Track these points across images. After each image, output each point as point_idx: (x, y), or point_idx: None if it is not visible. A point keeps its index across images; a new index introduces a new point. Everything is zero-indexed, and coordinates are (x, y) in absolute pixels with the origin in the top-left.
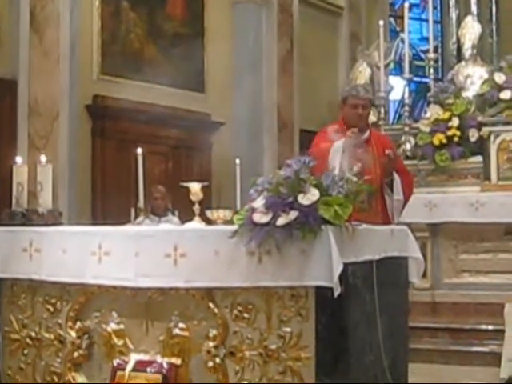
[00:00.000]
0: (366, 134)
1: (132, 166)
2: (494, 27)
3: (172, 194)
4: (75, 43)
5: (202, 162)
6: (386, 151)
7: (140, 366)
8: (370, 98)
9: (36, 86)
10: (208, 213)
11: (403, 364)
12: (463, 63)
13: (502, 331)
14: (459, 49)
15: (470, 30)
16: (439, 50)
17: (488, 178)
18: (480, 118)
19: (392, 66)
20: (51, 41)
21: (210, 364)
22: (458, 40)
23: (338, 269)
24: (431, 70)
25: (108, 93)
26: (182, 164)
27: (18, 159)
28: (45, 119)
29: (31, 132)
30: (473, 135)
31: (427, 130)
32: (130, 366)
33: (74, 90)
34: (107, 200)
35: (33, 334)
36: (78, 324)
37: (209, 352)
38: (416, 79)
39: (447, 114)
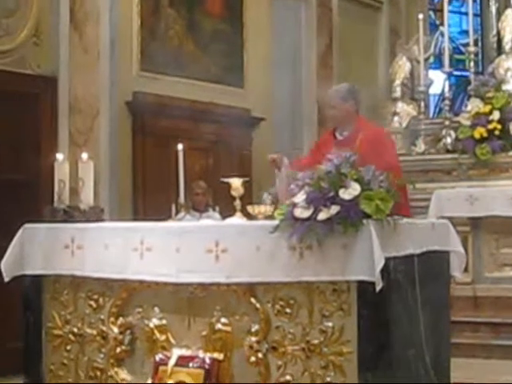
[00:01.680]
0: (345, 134)
1: (172, 162)
2: None
3: (212, 189)
4: (115, 40)
5: (242, 158)
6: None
7: (182, 361)
8: (335, 97)
9: (76, 83)
10: (249, 208)
11: (445, 358)
12: (503, 56)
13: None
14: (499, 42)
15: (510, 23)
16: (479, 44)
17: None
18: None
19: (432, 59)
20: (91, 38)
21: (252, 359)
22: (498, 33)
23: (379, 263)
24: (471, 64)
25: (148, 89)
26: (222, 160)
27: (59, 156)
28: (85, 116)
29: (72, 129)
30: None
31: (468, 123)
32: (172, 361)
33: (114, 87)
34: (148, 196)
35: (75, 330)
36: (121, 320)
37: (251, 347)
38: (456, 73)
39: (488, 108)
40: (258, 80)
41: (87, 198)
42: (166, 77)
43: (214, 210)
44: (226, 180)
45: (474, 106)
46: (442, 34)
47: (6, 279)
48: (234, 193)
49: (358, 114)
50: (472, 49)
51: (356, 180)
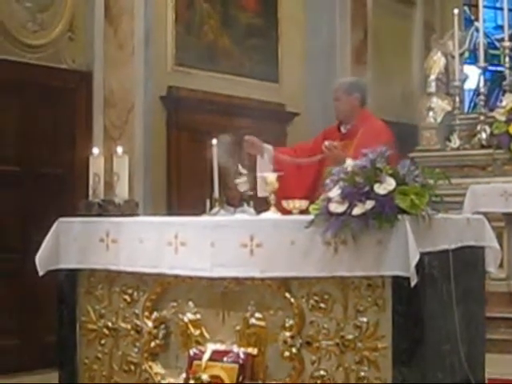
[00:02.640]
0: (348, 127)
1: (207, 156)
2: None
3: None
4: (149, 35)
5: None
6: (325, 143)
7: (216, 356)
8: (339, 90)
9: (111, 78)
10: (284, 203)
11: (480, 354)
12: None
13: None
14: None
15: None
16: None
17: None
18: None
19: (467, 54)
20: (126, 32)
21: (287, 354)
22: None
23: (414, 258)
24: (506, 59)
25: (182, 84)
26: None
27: (95, 150)
28: (120, 110)
29: (107, 123)
30: None
31: (503, 118)
32: (206, 356)
33: (148, 82)
34: (182, 191)
35: (110, 324)
36: (155, 314)
37: (285, 342)
38: (491, 68)
39: None
40: (293, 75)
41: (122, 192)
42: (200, 72)
43: (248, 204)
44: (260, 175)
45: (509, 101)
46: (477, 29)
47: (41, 273)
48: (268, 188)
49: (363, 108)
50: (507, 44)
51: (391, 175)
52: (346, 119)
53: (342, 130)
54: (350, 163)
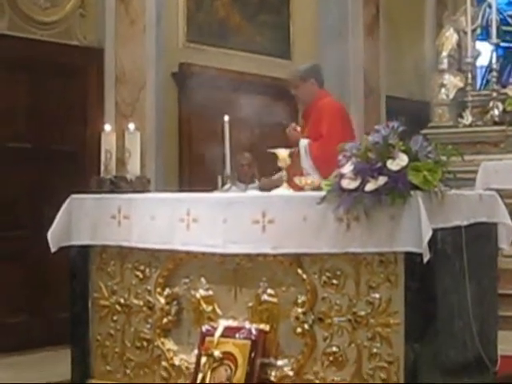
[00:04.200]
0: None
1: (218, 133)
2: None
3: (258, 161)
4: (161, 11)
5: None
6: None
7: (229, 332)
8: (296, 78)
9: (122, 55)
10: (296, 179)
11: (492, 331)
12: None
13: None
14: None
15: None
16: None
17: None
18: None
19: (479, 31)
20: (137, 9)
21: (299, 330)
22: None
23: (427, 234)
24: None
25: (194, 60)
26: (268, 131)
27: (107, 127)
28: (131, 87)
29: (118, 100)
30: None
31: None
32: (218, 332)
33: (160, 58)
34: (194, 167)
35: (122, 301)
36: (167, 290)
37: (297, 318)
38: (503, 44)
39: None
40: (305, 51)
41: (134, 169)
42: (212, 48)
43: (259, 181)
44: (272, 151)
45: None
46: (490, 5)
47: (53, 249)
48: (280, 164)
49: (321, 89)
50: None
51: (404, 151)
52: (307, 103)
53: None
54: (302, 143)
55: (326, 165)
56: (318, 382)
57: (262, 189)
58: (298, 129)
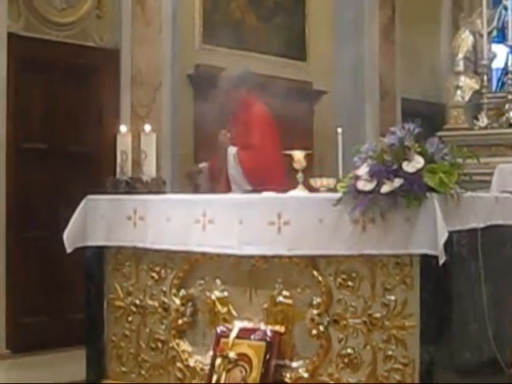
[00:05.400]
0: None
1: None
2: None
3: None
4: (177, 12)
5: (303, 131)
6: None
7: (244, 334)
8: (229, 85)
9: (138, 56)
10: (312, 181)
11: (508, 334)
12: None
13: None
14: None
15: None
16: None
17: None
18: None
19: (495, 33)
20: (153, 10)
21: (314, 332)
22: None
23: (443, 237)
24: None
25: (210, 62)
26: (284, 133)
27: (122, 128)
28: (147, 88)
29: (134, 101)
30: None
31: None
32: (233, 334)
33: (176, 59)
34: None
35: (137, 302)
36: (182, 291)
37: (312, 320)
38: None
39: None
40: (320, 53)
41: (149, 170)
42: (227, 50)
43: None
44: (288, 152)
45: None
46: (506, 8)
47: (69, 250)
48: (296, 165)
49: (250, 96)
50: None
51: (419, 153)
52: (236, 110)
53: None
54: (231, 151)
55: (257, 175)
56: (332, 383)
57: (187, 176)
58: (228, 135)
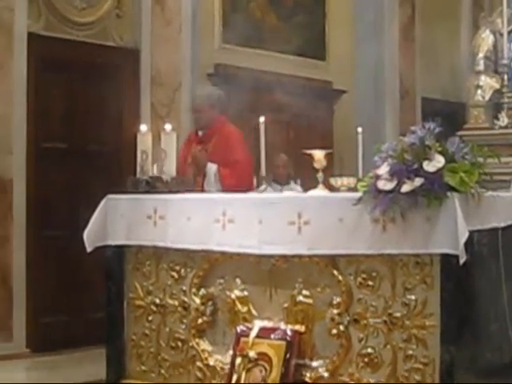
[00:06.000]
0: (205, 132)
1: (254, 134)
2: None
3: (293, 162)
4: (197, 12)
5: (323, 131)
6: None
7: (264, 333)
8: (205, 103)
9: (158, 55)
10: (332, 180)
11: None
12: None
13: None
14: None
15: None
16: None
17: None
18: None
19: None
20: (173, 10)
21: (334, 331)
22: None
23: (463, 236)
24: None
25: (229, 61)
26: (304, 132)
27: (143, 127)
28: (167, 88)
29: (154, 101)
30: None
31: None
32: (253, 333)
33: (195, 59)
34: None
35: (157, 301)
36: (202, 291)
37: (333, 319)
38: None
39: None
40: (340, 52)
41: (170, 169)
42: (247, 49)
43: (295, 182)
44: (308, 152)
45: None
46: None
47: (89, 249)
48: (316, 165)
49: (220, 115)
50: None
51: (440, 152)
52: (206, 127)
53: (200, 134)
54: (211, 168)
55: (236, 191)
56: (352, 383)
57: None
58: (204, 152)
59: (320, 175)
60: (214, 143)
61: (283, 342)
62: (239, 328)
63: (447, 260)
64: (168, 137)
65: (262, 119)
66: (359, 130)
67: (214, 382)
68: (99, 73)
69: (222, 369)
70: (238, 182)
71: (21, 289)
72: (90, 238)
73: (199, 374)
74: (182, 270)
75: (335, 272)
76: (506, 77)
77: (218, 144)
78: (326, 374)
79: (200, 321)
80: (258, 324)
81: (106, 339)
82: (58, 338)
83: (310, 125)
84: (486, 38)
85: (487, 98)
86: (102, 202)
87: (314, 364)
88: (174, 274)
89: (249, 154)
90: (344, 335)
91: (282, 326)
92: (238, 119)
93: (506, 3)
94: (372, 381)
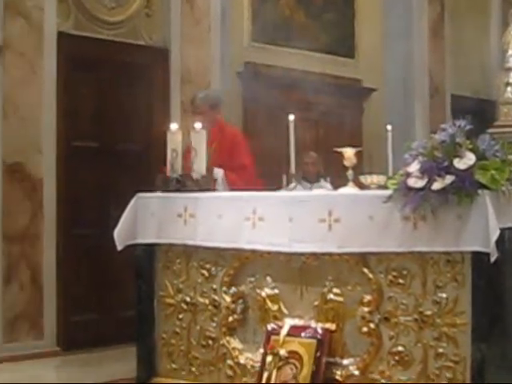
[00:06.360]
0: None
1: (283, 132)
2: None
3: (323, 160)
4: (226, 11)
5: (353, 129)
6: None
7: (294, 331)
8: (205, 105)
9: (188, 54)
10: (362, 178)
11: None
12: None
13: None
14: None
15: None
16: None
17: None
18: None
19: None
20: (202, 9)
21: (365, 329)
22: None
23: (494, 234)
24: None
25: (259, 60)
26: (333, 130)
27: (173, 125)
28: (197, 86)
29: (183, 99)
30: None
31: None
32: (284, 331)
33: (225, 57)
34: (259, 166)
35: (188, 299)
36: (233, 289)
37: (363, 317)
38: None
39: None
40: (370, 50)
41: (200, 168)
42: (276, 47)
43: (325, 180)
44: (339, 150)
45: None
46: None
47: (119, 248)
48: (346, 163)
49: (220, 116)
50: None
51: (471, 150)
52: (207, 129)
53: None
54: (217, 173)
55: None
56: (383, 381)
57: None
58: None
59: (350, 173)
60: (216, 145)
61: (314, 341)
62: (270, 326)
63: (478, 258)
64: (198, 135)
65: (291, 117)
66: (389, 127)
67: (244, 379)
68: (129, 72)
69: (252, 367)
70: (245, 186)
71: (51, 287)
72: (121, 236)
73: (230, 372)
74: (213, 269)
75: (365, 270)
76: None
77: (221, 146)
78: (356, 372)
79: (231, 319)
80: (288, 322)
81: (136, 337)
82: (88, 336)
83: (339, 123)
84: None
85: None
86: (133, 201)
87: (345, 362)
88: (205, 272)
89: (252, 157)
90: (375, 333)
91: (313, 324)
92: (267, 117)
93: None
94: (403, 379)
